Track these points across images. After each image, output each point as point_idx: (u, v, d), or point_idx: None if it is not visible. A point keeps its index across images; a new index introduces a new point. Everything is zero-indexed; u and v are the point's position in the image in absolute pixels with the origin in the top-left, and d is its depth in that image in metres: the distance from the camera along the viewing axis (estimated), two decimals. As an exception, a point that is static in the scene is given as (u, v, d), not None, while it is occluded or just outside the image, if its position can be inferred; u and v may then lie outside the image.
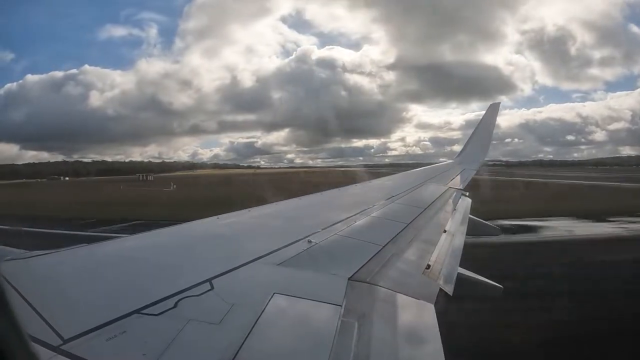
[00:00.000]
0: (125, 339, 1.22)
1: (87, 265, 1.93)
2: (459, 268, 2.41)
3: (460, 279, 2.27)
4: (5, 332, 0.78)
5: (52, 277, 1.77)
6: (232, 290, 1.58)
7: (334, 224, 2.73)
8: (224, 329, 1.32)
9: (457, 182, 6.05)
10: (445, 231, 3.09)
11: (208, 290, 1.56)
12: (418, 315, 1.66)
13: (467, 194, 5.37)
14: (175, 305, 1.42)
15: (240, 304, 1.47)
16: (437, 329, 1.51)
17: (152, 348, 1.18)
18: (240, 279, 1.73)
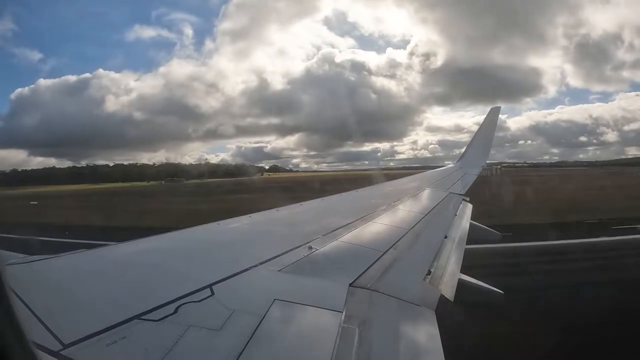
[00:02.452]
0: (125, 345, 1.22)
1: (87, 270, 1.93)
2: (460, 274, 2.40)
3: (461, 284, 2.26)
4: (7, 336, 0.78)
5: (53, 281, 1.77)
6: (232, 296, 1.58)
7: (334, 230, 2.73)
8: (224, 335, 1.31)
9: (458, 187, 6.04)
10: (446, 237, 3.08)
11: (209, 296, 1.56)
12: (419, 321, 1.66)
13: (468, 199, 5.35)
14: (176, 311, 1.42)
15: (240, 310, 1.47)
16: (438, 335, 1.51)
17: (152, 354, 1.18)
18: (241, 285, 1.72)
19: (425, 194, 5.23)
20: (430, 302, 1.79)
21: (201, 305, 1.49)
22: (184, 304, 1.47)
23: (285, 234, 2.78)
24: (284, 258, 2.07)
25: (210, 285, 1.63)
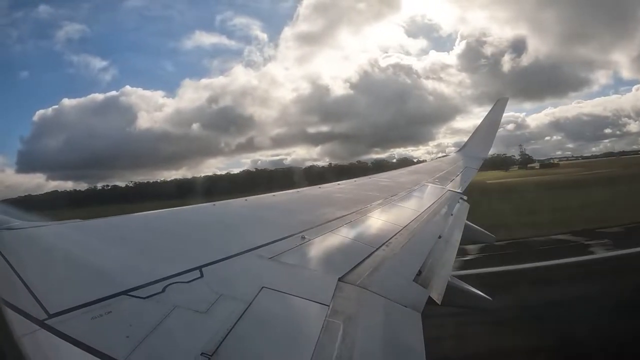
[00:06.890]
0: (110, 319, 1.23)
1: (79, 240, 1.93)
2: (451, 276, 2.41)
3: (450, 287, 2.27)
4: None
5: (44, 249, 1.77)
6: (221, 280, 1.59)
7: (328, 222, 2.71)
8: (209, 318, 1.32)
9: (457, 183, 5.92)
10: (440, 237, 3.07)
11: (197, 278, 1.56)
12: (404, 322, 1.66)
13: (466, 197, 5.27)
14: (163, 290, 1.42)
15: (228, 295, 1.47)
16: (422, 337, 1.52)
17: (136, 331, 1.19)
18: (230, 270, 1.73)
19: (423, 189, 5.17)
20: (418, 303, 1.80)
21: (189, 286, 1.50)
22: (172, 283, 1.48)
23: (279, 221, 2.77)
24: (276, 246, 2.07)
25: (200, 267, 1.63)
